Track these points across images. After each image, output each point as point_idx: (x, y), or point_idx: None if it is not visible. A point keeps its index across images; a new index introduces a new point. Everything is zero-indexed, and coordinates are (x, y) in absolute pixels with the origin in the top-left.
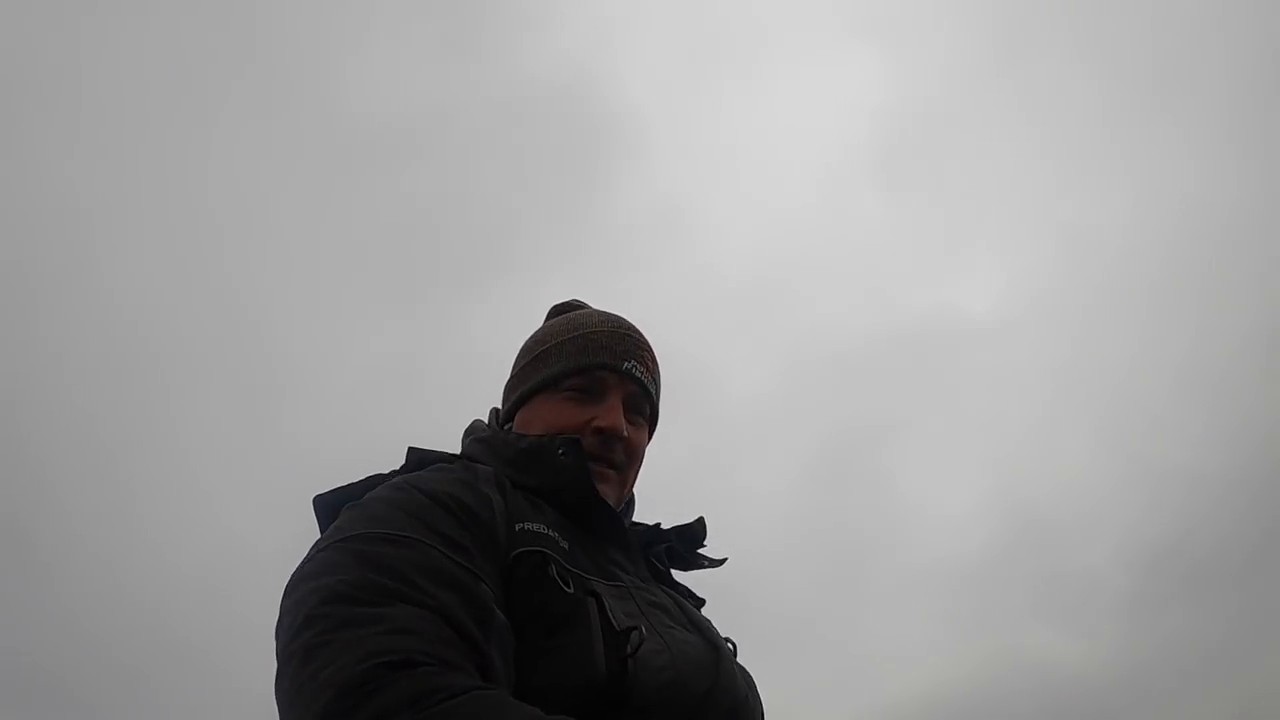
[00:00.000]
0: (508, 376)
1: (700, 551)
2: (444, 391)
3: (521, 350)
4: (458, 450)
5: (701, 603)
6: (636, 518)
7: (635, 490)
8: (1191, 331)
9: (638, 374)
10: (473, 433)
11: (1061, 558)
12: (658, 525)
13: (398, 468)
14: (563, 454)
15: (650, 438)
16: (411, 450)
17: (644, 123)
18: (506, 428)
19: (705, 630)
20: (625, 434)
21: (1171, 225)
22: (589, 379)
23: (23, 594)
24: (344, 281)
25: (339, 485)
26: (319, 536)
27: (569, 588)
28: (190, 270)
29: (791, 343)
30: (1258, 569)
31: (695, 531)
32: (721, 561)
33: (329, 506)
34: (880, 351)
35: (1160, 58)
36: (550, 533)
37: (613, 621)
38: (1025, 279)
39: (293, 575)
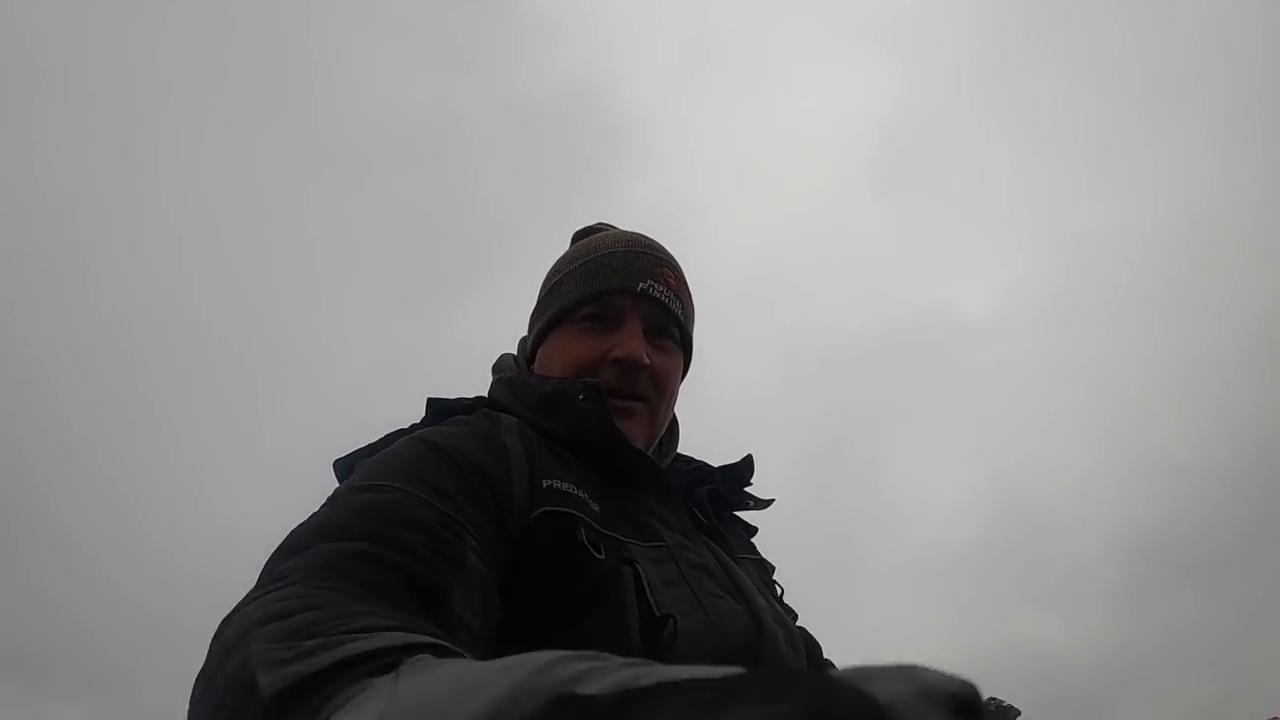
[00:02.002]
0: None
1: (747, 490)
2: (442, 385)
3: (543, 281)
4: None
5: (754, 531)
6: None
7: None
8: (1183, 329)
9: (655, 293)
10: (499, 371)
11: (1052, 547)
12: (704, 465)
13: (418, 421)
14: (583, 399)
15: (686, 366)
16: (431, 400)
17: (646, 126)
18: (530, 367)
19: (749, 596)
20: (647, 361)
21: (1166, 228)
22: (602, 306)
23: (19, 579)
24: (345, 277)
25: (358, 447)
26: None
27: (600, 554)
28: (195, 263)
29: (787, 340)
30: (1245, 558)
31: (741, 471)
32: (769, 502)
33: (346, 468)
34: (875, 349)
35: (1157, 69)
36: (579, 493)
37: (652, 604)
38: (1020, 279)
39: None
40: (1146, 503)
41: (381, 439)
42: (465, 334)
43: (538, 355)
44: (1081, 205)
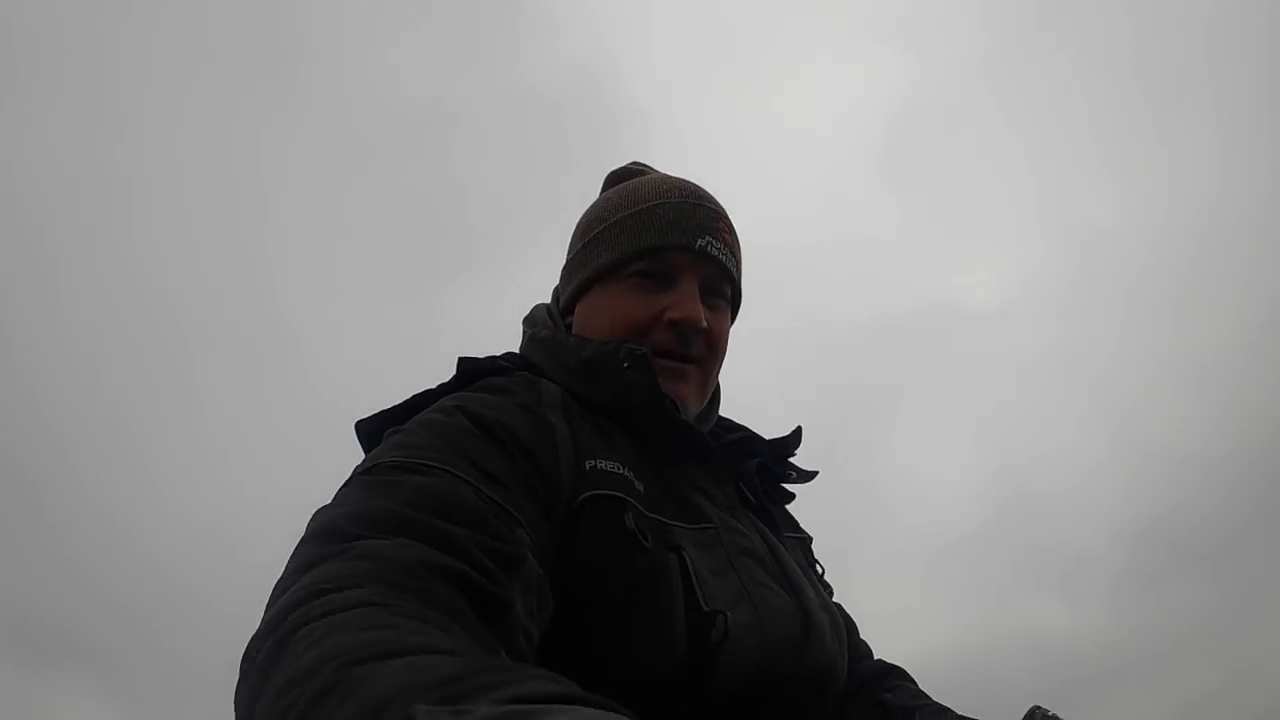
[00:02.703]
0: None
1: (791, 461)
2: (445, 367)
3: (577, 229)
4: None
5: (791, 498)
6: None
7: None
8: (1182, 318)
9: (714, 251)
10: (533, 324)
11: (1052, 531)
12: (751, 434)
13: (446, 381)
14: (628, 368)
15: (734, 321)
16: (462, 360)
17: (650, 113)
18: (567, 322)
19: (797, 585)
20: (705, 324)
21: (1165, 219)
22: (657, 262)
23: (31, 546)
24: (352, 260)
25: (384, 408)
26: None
27: (647, 541)
28: (206, 244)
29: (787, 325)
30: (1243, 544)
31: (788, 445)
32: (813, 475)
33: (371, 432)
34: (876, 335)
35: (1168, 60)
36: (625, 472)
37: (700, 598)
38: (1021, 268)
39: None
40: (1149, 488)
41: (408, 400)
42: (467, 317)
43: (577, 310)
44: (1092, 196)
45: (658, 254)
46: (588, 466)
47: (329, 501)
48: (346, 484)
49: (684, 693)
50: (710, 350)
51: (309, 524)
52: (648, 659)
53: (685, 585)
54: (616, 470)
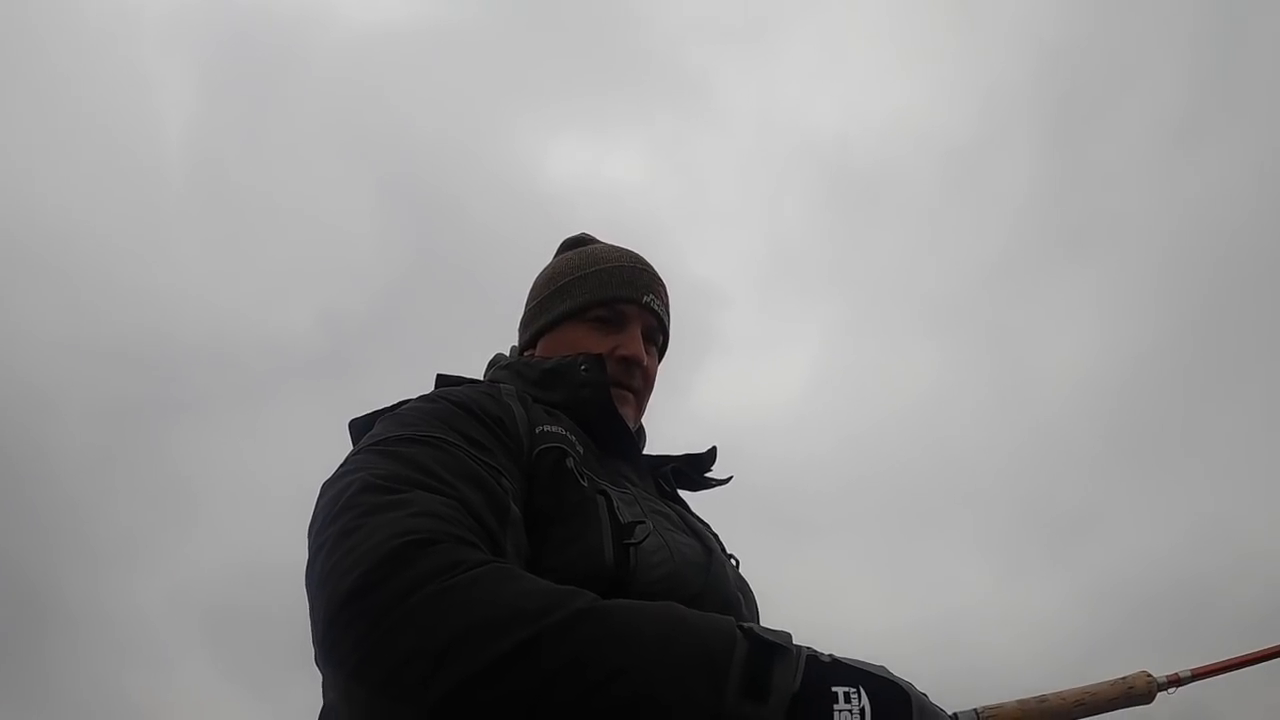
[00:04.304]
0: (522, 313)
1: (707, 475)
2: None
3: (537, 285)
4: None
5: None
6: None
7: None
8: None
9: (655, 306)
10: (497, 363)
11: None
12: (666, 455)
13: (427, 393)
14: (585, 369)
15: (660, 361)
16: (440, 376)
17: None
18: (528, 354)
19: (702, 536)
20: (645, 361)
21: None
22: (611, 310)
23: None
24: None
25: (375, 409)
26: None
27: (584, 480)
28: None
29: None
30: None
31: (704, 460)
32: (727, 480)
33: (363, 427)
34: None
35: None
36: (569, 435)
37: (619, 516)
38: None
39: (327, 478)
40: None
41: (395, 404)
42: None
43: (540, 345)
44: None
45: (612, 304)
46: (538, 431)
47: (346, 465)
48: (359, 452)
49: (611, 590)
50: (645, 384)
51: (341, 483)
52: (583, 561)
53: (611, 515)
54: (560, 432)
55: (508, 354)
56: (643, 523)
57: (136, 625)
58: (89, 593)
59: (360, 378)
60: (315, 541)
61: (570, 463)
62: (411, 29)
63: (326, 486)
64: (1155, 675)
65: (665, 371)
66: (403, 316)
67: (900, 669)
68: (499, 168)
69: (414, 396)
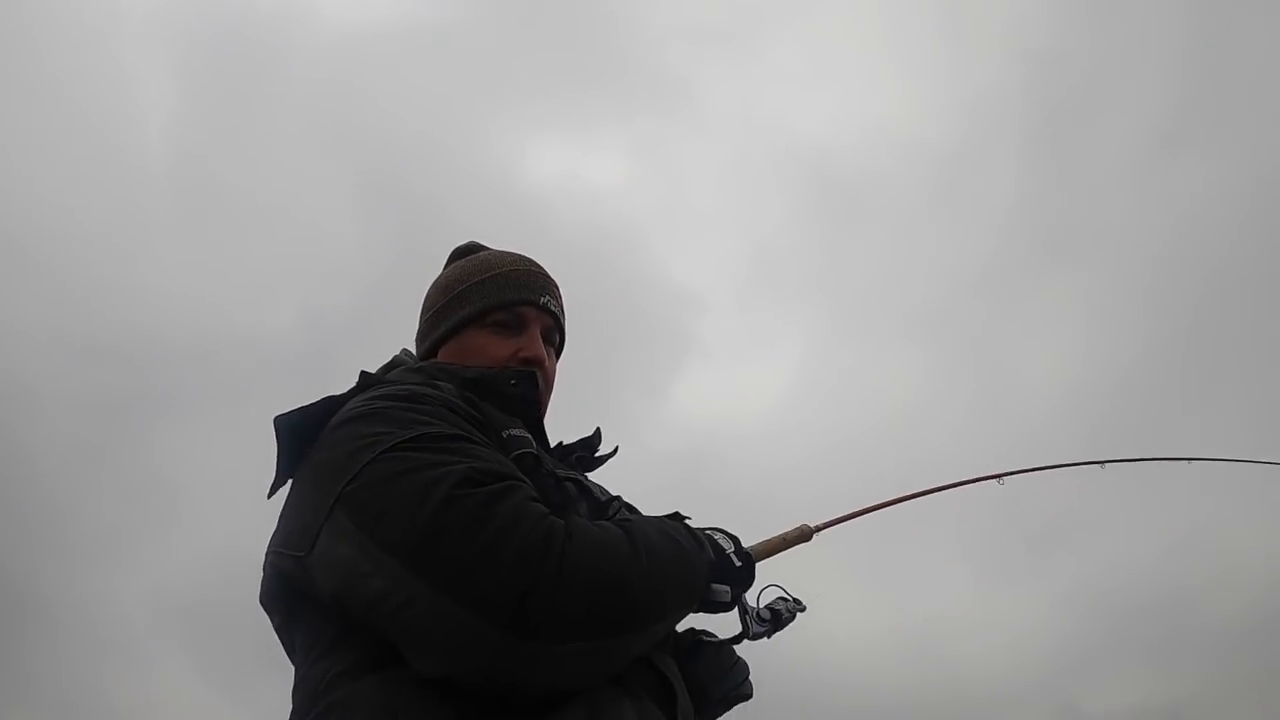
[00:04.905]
0: (418, 323)
1: (598, 455)
2: None
3: (433, 293)
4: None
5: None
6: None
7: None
8: None
9: (552, 307)
10: (401, 364)
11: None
12: (561, 443)
13: (350, 390)
14: (514, 384)
15: (558, 359)
16: (363, 373)
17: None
18: (430, 361)
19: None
20: (547, 361)
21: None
22: (510, 314)
23: None
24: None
25: (298, 406)
26: (317, 446)
27: (560, 474)
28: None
29: None
30: None
31: (594, 442)
32: (614, 452)
33: (292, 427)
34: None
35: None
36: (528, 435)
37: (597, 497)
38: None
39: (382, 473)
40: None
41: (320, 402)
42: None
43: (441, 352)
44: None
45: (511, 307)
46: (505, 435)
47: (390, 464)
48: (385, 456)
49: None
50: (546, 384)
51: (418, 481)
52: None
53: (588, 497)
54: (523, 435)
55: (402, 356)
56: (615, 499)
57: (116, 623)
58: (68, 589)
59: (341, 375)
60: (425, 531)
61: (546, 464)
62: (393, 28)
63: (395, 478)
64: (812, 524)
65: (640, 375)
66: (384, 314)
67: (881, 675)
68: (479, 167)
69: (337, 395)
